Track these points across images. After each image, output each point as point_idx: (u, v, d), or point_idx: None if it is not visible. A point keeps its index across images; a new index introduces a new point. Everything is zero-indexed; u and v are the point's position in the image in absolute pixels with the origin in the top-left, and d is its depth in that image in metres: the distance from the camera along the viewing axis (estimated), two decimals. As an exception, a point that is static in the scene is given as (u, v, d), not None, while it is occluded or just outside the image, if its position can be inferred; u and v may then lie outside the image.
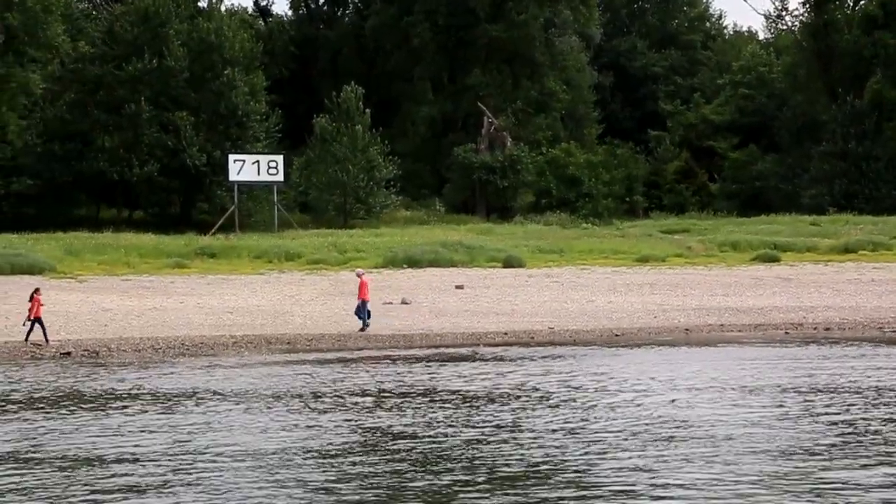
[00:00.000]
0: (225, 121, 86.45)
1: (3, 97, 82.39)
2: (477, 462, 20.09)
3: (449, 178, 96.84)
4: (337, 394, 27.85)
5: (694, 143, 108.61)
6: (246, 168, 79.89)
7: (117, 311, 44.56)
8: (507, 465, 19.85)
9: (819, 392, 27.48)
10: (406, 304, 47.90)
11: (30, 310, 37.85)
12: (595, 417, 24.33)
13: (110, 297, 48.92)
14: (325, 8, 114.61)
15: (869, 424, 23.26)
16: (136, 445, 21.57)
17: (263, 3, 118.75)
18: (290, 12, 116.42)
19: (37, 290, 39.08)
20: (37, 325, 37.50)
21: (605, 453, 20.61)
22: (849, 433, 22.42)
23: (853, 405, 25.62)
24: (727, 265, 64.22)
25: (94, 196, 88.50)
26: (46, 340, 37.28)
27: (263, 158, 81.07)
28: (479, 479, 18.78)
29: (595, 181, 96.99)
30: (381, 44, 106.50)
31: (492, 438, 22.08)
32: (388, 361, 34.29)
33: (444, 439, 22.04)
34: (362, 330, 40.44)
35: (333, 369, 32.48)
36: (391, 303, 48.12)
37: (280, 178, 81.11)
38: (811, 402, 26.13)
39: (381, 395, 27.80)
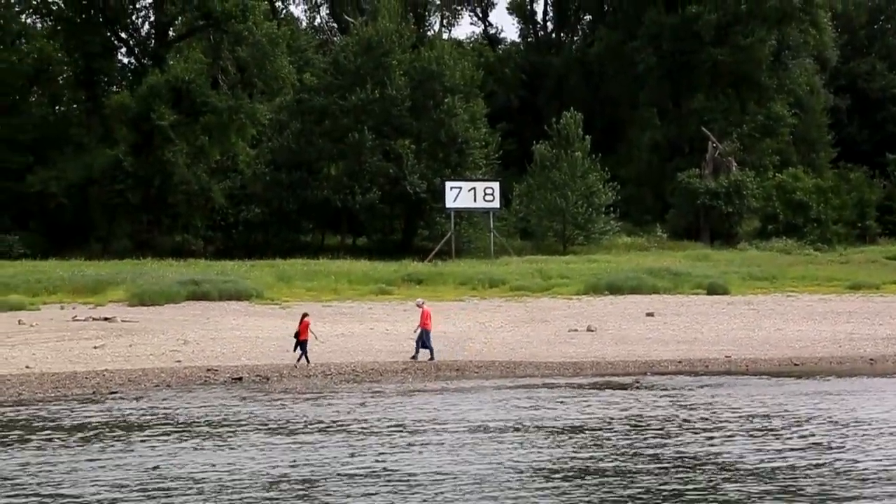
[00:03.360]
0: (445, 148, 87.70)
1: (232, 127, 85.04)
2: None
3: (672, 203, 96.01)
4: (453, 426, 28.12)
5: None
6: (462, 195, 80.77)
7: (304, 337, 45.55)
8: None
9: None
10: (591, 331, 47.80)
11: (300, 332, 39.48)
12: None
13: (304, 323, 50.05)
14: (553, 36, 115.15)
15: None
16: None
17: (493, 32, 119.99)
18: (518, 40, 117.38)
19: (305, 315, 40.48)
20: (300, 347, 39.41)
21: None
22: None
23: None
24: (946, 293, 62.15)
25: (320, 223, 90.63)
26: (304, 360, 39.08)
27: (480, 185, 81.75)
28: None
29: (824, 206, 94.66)
30: (606, 69, 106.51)
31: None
32: (544, 389, 34.28)
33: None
34: (431, 359, 40.10)
35: (473, 398, 32.72)
36: (576, 330, 48.15)
37: (496, 204, 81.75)
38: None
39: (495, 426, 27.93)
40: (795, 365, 40.06)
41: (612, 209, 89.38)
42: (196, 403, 31.42)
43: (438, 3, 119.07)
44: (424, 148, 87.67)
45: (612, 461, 23.10)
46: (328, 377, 37.54)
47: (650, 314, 52.53)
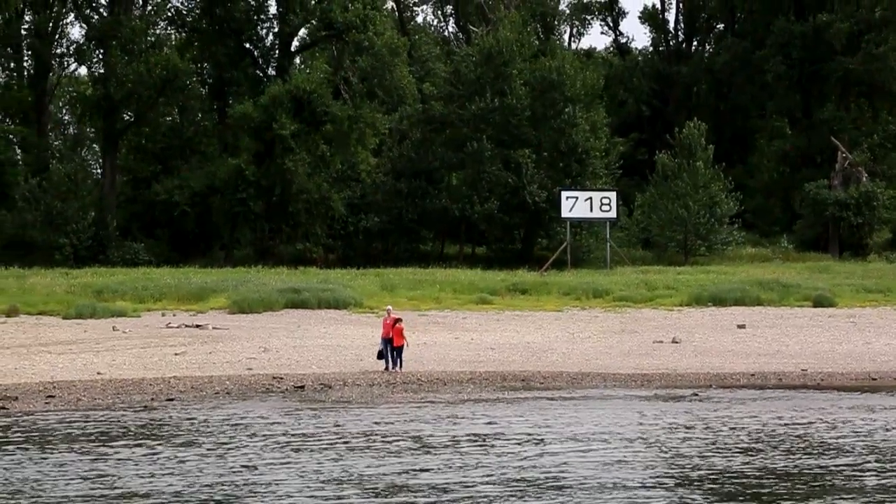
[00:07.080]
0: (565, 157, 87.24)
1: (353, 136, 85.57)
2: None
3: (801, 214, 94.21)
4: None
5: None
6: (578, 205, 79.93)
7: (384, 346, 45.54)
8: None
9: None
10: (676, 342, 47.17)
11: (393, 340, 39.93)
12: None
13: (390, 331, 50.16)
14: (684, 45, 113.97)
15: None
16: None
17: (623, 41, 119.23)
18: (650, 48, 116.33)
19: (398, 321, 40.41)
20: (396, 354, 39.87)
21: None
22: None
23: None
24: None
25: (439, 232, 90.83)
26: (387, 368, 39.64)
27: (596, 195, 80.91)
28: None
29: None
30: (734, 78, 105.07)
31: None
32: (602, 400, 33.89)
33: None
34: (386, 369, 39.83)
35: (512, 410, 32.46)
36: (661, 341, 47.56)
37: (612, 214, 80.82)
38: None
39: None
40: (873, 379, 39.00)
41: (736, 219, 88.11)
42: (226, 412, 31.48)
43: (568, 12, 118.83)
44: (544, 157, 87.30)
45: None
46: (391, 386, 37.52)
47: (741, 326, 51.66)
